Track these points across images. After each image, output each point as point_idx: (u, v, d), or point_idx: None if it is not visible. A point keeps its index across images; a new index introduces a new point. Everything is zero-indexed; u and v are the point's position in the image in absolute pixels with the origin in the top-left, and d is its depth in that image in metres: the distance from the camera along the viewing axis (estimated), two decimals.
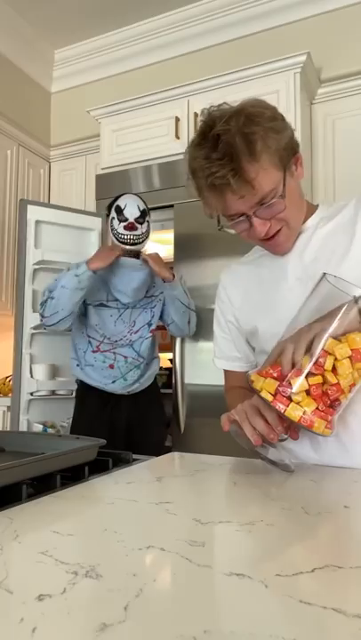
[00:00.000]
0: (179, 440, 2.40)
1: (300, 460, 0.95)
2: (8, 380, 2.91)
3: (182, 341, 2.44)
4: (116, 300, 2.08)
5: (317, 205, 1.01)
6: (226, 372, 1.15)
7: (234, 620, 0.36)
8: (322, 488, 0.80)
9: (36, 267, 2.57)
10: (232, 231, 0.93)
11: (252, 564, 0.48)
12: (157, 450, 1.85)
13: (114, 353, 2.08)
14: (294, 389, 0.76)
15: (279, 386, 0.77)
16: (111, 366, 2.08)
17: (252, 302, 1.03)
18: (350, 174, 2.51)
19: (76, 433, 2.12)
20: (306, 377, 0.76)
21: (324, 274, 0.81)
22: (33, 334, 2.55)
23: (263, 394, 0.78)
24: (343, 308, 0.77)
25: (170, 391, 2.47)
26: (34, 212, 2.58)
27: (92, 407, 2.12)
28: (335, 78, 2.62)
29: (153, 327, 2.15)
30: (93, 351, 2.09)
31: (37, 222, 2.58)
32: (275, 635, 0.34)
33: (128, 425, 2.12)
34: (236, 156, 0.81)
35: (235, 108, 0.85)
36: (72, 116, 3.39)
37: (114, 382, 2.08)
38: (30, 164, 3.26)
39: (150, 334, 2.14)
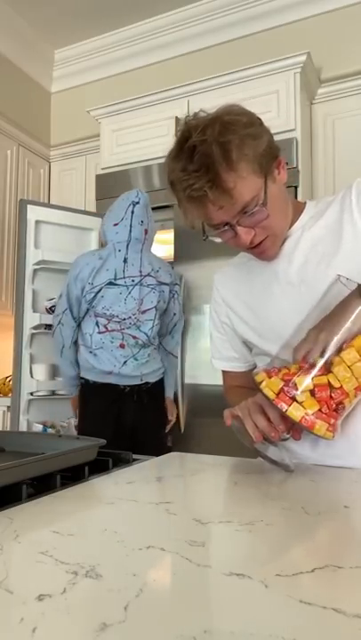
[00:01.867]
0: (179, 440, 2.40)
1: (299, 460, 0.95)
2: (8, 379, 2.92)
3: (182, 341, 2.44)
4: (125, 277, 2.09)
5: (305, 203, 1.00)
6: (224, 372, 1.15)
7: (234, 620, 0.36)
8: (322, 488, 0.80)
9: (36, 267, 2.57)
10: (218, 240, 0.92)
11: (252, 563, 0.48)
12: (161, 451, 1.87)
13: (122, 333, 2.08)
14: (300, 390, 0.76)
15: (284, 385, 0.77)
16: (122, 345, 2.07)
17: (246, 306, 1.03)
18: (351, 174, 2.50)
19: (82, 434, 2.11)
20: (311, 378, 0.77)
21: (339, 276, 0.81)
22: (33, 334, 2.55)
23: (266, 391, 0.78)
24: (356, 311, 0.77)
25: None
26: (33, 212, 2.58)
27: (98, 407, 2.10)
28: (335, 78, 2.62)
29: (159, 313, 2.18)
30: (101, 332, 2.08)
31: (37, 222, 2.58)
32: (275, 635, 0.34)
33: (133, 425, 2.11)
34: (212, 167, 0.80)
35: (210, 117, 0.83)
36: (72, 115, 3.39)
37: (125, 363, 2.06)
38: (30, 163, 3.26)
39: (158, 321, 2.16)
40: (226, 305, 1.08)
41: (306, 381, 0.77)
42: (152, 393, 2.16)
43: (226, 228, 0.88)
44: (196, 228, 0.91)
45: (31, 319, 2.53)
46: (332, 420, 0.77)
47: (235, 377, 1.12)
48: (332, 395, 0.76)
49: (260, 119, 0.88)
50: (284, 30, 2.83)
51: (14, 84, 3.23)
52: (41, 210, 2.62)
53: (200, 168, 0.80)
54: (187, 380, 2.44)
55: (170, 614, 0.37)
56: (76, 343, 2.16)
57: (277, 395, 0.77)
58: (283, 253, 0.97)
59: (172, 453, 1.09)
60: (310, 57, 2.44)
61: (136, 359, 2.09)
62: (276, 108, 2.43)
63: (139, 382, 2.11)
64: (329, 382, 0.77)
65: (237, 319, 1.05)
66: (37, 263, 2.56)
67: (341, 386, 0.76)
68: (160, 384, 2.23)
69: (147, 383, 2.14)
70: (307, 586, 0.43)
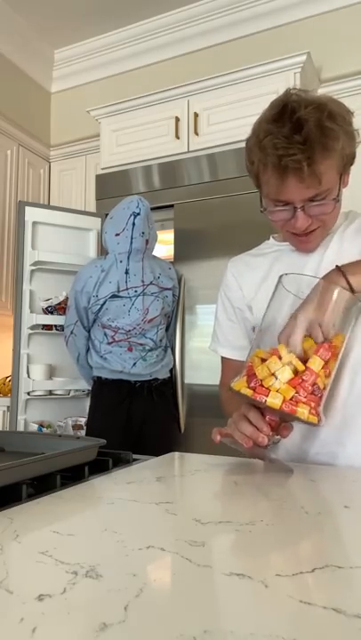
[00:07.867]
0: (179, 440, 2.40)
1: (297, 458, 0.96)
2: (8, 380, 2.92)
3: (182, 341, 2.44)
4: (128, 288, 2.12)
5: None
6: (225, 363, 1.12)
7: (234, 620, 0.36)
8: (322, 488, 0.80)
9: (33, 267, 2.58)
10: (271, 217, 0.92)
11: (252, 563, 0.48)
12: (169, 445, 1.91)
13: (129, 342, 2.13)
14: (263, 377, 0.78)
15: (254, 379, 0.79)
16: (130, 349, 2.13)
17: (267, 297, 1.02)
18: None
19: (91, 430, 2.15)
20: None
21: (281, 276, 0.83)
22: (30, 334, 2.56)
23: (243, 391, 0.80)
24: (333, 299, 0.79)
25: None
26: (31, 214, 2.59)
27: (110, 401, 2.15)
28: (335, 78, 2.62)
29: (166, 317, 2.25)
30: (109, 343, 2.15)
31: (35, 223, 2.59)
32: (275, 635, 0.34)
33: (143, 420, 2.15)
34: (315, 146, 0.81)
35: (317, 100, 0.84)
36: (72, 115, 3.39)
37: (135, 364, 2.13)
38: (30, 163, 3.26)
39: (163, 324, 2.22)
40: (243, 293, 1.05)
41: (275, 369, 0.78)
42: (161, 390, 2.23)
43: (287, 207, 0.88)
44: (263, 201, 0.91)
45: (28, 319, 2.54)
46: (313, 404, 0.78)
47: (236, 368, 1.11)
48: (303, 377, 0.77)
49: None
50: (284, 30, 2.83)
51: (14, 83, 3.23)
52: (39, 211, 2.63)
53: (305, 142, 0.80)
54: (187, 380, 2.44)
55: (170, 614, 0.37)
56: (87, 348, 2.24)
57: (254, 390, 0.78)
58: (315, 252, 0.97)
59: (172, 453, 1.09)
60: (310, 57, 2.44)
61: (145, 360, 2.15)
62: None
63: (148, 378, 2.17)
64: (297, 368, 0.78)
65: (258, 309, 1.02)
66: (34, 264, 2.57)
67: (309, 366, 0.78)
68: (169, 382, 2.29)
69: (156, 379, 2.20)
70: (307, 586, 0.43)
